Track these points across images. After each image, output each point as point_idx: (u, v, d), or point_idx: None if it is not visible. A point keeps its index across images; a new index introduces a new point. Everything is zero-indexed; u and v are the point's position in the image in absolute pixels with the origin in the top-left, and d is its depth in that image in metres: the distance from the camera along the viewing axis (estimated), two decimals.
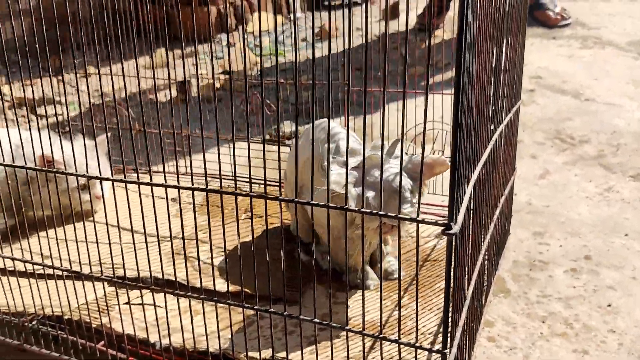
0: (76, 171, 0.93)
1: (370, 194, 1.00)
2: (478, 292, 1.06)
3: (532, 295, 1.37)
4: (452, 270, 0.73)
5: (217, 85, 2.96)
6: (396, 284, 1.23)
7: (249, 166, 0.86)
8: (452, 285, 0.74)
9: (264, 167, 0.83)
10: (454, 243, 0.71)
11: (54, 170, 1.01)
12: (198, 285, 0.95)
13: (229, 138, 1.89)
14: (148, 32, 0.94)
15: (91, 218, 1.47)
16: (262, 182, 1.66)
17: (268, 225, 1.45)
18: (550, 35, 3.43)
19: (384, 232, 1.05)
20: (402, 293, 1.20)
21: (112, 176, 1.00)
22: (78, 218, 1.26)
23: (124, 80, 0.89)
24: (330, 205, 0.78)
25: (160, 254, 0.90)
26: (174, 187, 0.87)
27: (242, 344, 0.98)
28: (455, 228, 0.70)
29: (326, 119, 1.24)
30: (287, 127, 2.37)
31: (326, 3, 4.25)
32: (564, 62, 3.01)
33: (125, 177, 0.92)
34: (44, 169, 1.05)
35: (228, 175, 1.66)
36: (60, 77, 2.56)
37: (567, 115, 2.39)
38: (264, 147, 0.81)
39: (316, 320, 0.83)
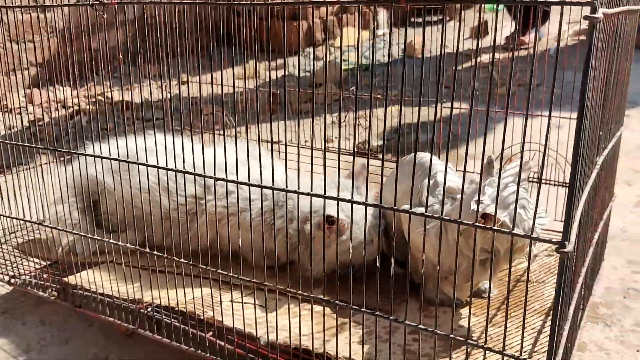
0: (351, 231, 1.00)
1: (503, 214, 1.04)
2: (575, 314, 1.07)
3: (627, 324, 1.35)
4: (562, 288, 0.75)
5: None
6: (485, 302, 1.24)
7: (338, 178, 0.93)
8: (560, 303, 0.76)
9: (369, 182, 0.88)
10: (566, 261, 0.73)
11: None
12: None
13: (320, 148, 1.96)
14: (243, 44, 1.01)
15: None
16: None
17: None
18: None
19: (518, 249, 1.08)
20: (494, 312, 1.22)
21: None
22: None
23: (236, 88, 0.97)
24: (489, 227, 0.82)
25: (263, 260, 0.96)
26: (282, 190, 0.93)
27: (341, 346, 1.03)
28: (569, 247, 0.72)
29: (423, 154, 1.28)
30: (374, 141, 2.43)
31: (416, 20, 4.28)
32: None
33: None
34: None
35: None
36: (160, 83, 2.72)
37: None
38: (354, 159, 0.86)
39: (421, 326, 0.87)
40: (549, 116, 0.87)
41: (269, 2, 0.93)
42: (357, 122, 2.46)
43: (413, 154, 1.34)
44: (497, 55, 3.22)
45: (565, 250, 0.72)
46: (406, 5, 0.77)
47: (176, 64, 1.23)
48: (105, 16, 1.00)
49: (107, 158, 1.18)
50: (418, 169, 1.24)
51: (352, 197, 0.93)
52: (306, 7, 0.90)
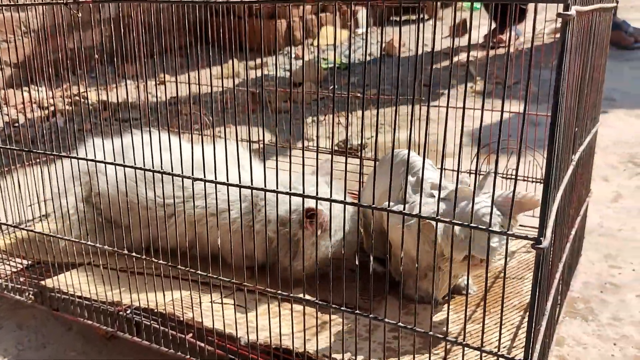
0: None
1: (457, 228, 1.04)
2: (553, 309, 1.08)
3: (603, 318, 1.36)
4: (538, 284, 0.76)
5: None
6: (464, 299, 1.25)
7: (317, 175, 0.93)
8: (537, 298, 0.77)
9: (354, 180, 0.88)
10: (542, 257, 0.74)
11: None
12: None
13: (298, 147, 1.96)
14: (222, 43, 1.01)
15: None
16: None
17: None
18: (623, 57, 3.37)
19: (472, 265, 1.08)
20: (474, 308, 1.23)
21: None
22: None
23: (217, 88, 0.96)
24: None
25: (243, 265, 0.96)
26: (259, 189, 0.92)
27: (322, 345, 1.03)
28: (545, 243, 0.73)
29: (403, 150, 1.29)
30: (355, 139, 2.43)
31: (395, 19, 4.30)
32: (638, 85, 2.96)
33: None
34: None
35: None
36: (138, 83, 2.70)
37: None
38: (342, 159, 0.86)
39: (400, 324, 0.88)
40: (524, 113, 0.87)
41: (245, 0, 0.92)
42: (338, 120, 2.46)
43: (394, 151, 1.35)
44: (475, 53, 3.24)
45: (541, 246, 0.73)
46: (382, 4, 0.77)
47: (154, 64, 1.22)
48: (80, 15, 0.99)
49: (83, 159, 1.17)
50: (400, 165, 1.24)
51: (331, 195, 0.92)
52: (284, 6, 0.89)
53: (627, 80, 3.01)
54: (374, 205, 0.86)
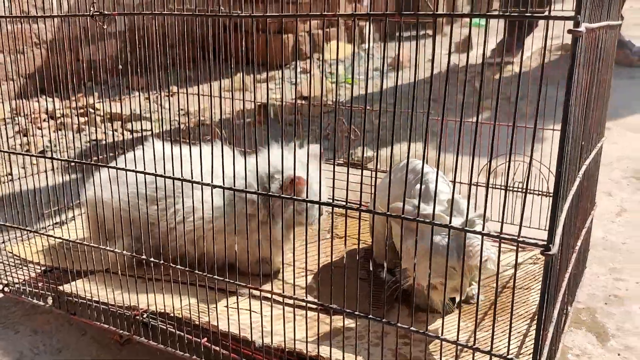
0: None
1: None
2: (560, 317, 1.11)
3: (608, 329, 1.39)
4: (547, 289, 0.79)
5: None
6: (473, 307, 1.28)
7: (333, 187, 0.96)
8: (545, 303, 0.80)
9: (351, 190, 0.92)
10: (551, 263, 0.77)
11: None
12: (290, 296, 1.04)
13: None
14: (230, 57, 1.05)
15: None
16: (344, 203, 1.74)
17: (347, 246, 1.52)
18: (627, 75, 3.41)
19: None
20: (481, 316, 1.26)
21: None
22: None
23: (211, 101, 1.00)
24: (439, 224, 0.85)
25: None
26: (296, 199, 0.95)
27: (335, 350, 1.06)
28: (554, 249, 0.76)
29: (415, 160, 1.32)
30: (366, 152, 2.47)
31: (398, 34, 4.35)
32: None
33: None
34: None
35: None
36: (147, 95, 2.75)
37: None
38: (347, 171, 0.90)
39: (413, 328, 0.91)
40: (534, 128, 0.91)
41: (264, 14, 0.96)
42: (354, 134, 2.50)
43: (405, 161, 1.39)
44: (482, 70, 3.28)
45: (550, 252, 0.76)
46: (400, 19, 0.81)
47: (166, 76, 1.26)
48: (105, 27, 1.03)
49: (114, 167, 1.21)
50: (411, 174, 1.27)
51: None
52: (292, 21, 0.93)
53: (631, 97, 3.05)
54: (388, 212, 0.90)
